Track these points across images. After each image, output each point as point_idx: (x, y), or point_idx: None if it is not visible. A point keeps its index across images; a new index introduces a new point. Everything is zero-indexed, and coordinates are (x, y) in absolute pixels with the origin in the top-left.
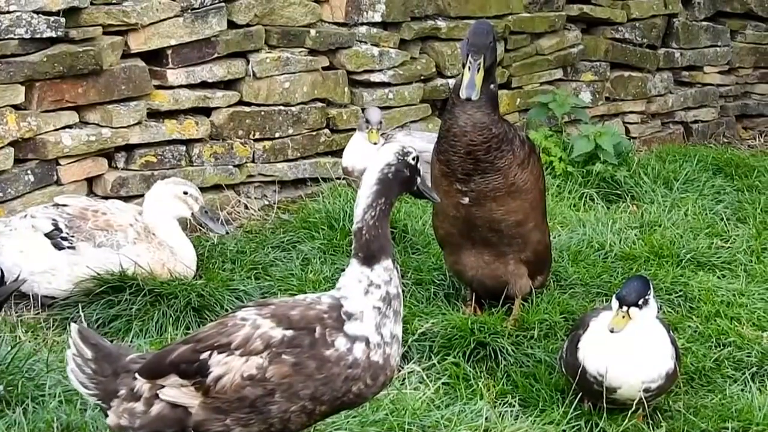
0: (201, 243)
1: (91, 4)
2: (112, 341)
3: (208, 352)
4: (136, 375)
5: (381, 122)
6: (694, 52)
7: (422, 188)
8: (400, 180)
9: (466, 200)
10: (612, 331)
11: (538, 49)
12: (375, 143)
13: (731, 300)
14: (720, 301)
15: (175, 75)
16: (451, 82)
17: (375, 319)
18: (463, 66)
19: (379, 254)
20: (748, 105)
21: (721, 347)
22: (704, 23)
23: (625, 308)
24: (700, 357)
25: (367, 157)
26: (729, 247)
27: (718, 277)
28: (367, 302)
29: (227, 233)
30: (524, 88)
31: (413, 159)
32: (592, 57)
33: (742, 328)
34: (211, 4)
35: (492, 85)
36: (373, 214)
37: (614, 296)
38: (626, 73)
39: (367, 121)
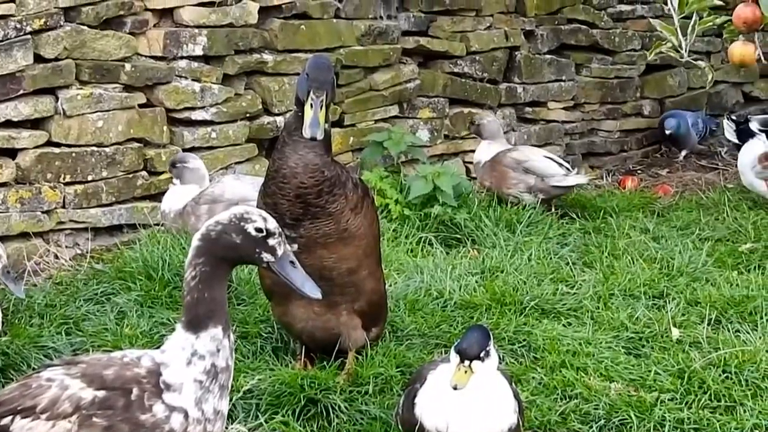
0: (6, 297)
1: None
2: None
3: (10, 417)
4: None
5: None
6: (538, 87)
7: (277, 269)
8: (225, 244)
9: (294, 247)
10: (455, 388)
11: (372, 84)
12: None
13: (577, 349)
14: (565, 350)
15: None
16: (279, 119)
17: (195, 393)
18: (302, 104)
19: (207, 321)
20: (595, 142)
21: (567, 399)
22: (548, 57)
23: (466, 362)
24: (545, 410)
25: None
26: (575, 293)
27: (564, 325)
28: (188, 374)
29: (24, 298)
30: (358, 125)
31: (256, 230)
32: (430, 92)
33: (589, 379)
34: (15, 37)
35: (326, 124)
36: (193, 273)
37: (453, 349)
38: (466, 110)
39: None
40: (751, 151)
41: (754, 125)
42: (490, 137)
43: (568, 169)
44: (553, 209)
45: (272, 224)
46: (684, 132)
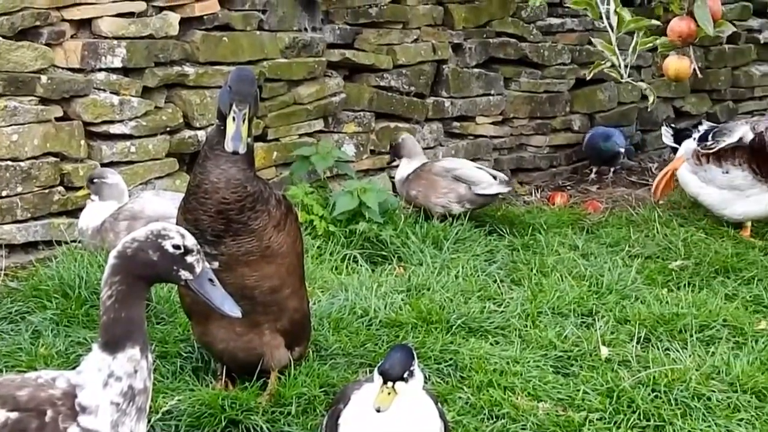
0: None
1: None
2: None
3: None
4: None
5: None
6: (466, 101)
7: (195, 287)
8: (141, 261)
9: (215, 265)
10: (379, 411)
11: (296, 98)
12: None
13: (505, 368)
14: (493, 369)
15: None
16: (201, 133)
17: (112, 416)
18: (224, 117)
19: (124, 341)
20: (524, 158)
21: (494, 419)
22: (476, 70)
23: (390, 383)
24: (472, 431)
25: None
26: (502, 311)
27: (491, 344)
28: (105, 396)
29: None
30: (281, 140)
31: (173, 246)
32: (356, 106)
33: (517, 399)
34: None
35: (249, 138)
36: (109, 292)
37: (376, 370)
38: (393, 124)
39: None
40: (686, 150)
41: (703, 126)
42: (409, 155)
43: (495, 178)
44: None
45: (190, 241)
46: (610, 149)
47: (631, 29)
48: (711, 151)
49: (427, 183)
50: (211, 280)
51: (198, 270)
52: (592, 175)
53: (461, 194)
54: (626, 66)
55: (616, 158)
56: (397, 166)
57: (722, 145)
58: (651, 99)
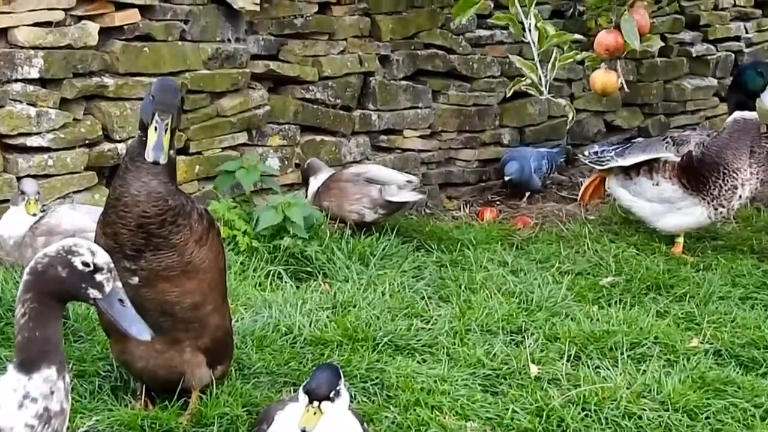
0: None
1: None
2: None
3: None
4: None
5: (39, 193)
6: (393, 114)
7: (103, 306)
8: (51, 278)
9: (135, 280)
10: (304, 431)
11: (219, 110)
12: (35, 214)
13: (432, 387)
14: (420, 388)
15: None
16: (121, 146)
17: None
18: (146, 127)
19: (39, 361)
20: (452, 172)
21: None
22: (403, 83)
23: (315, 403)
24: None
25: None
26: (430, 328)
27: (418, 362)
28: (19, 418)
29: None
30: (204, 153)
31: (82, 263)
32: (280, 119)
33: (444, 418)
34: None
35: (171, 151)
36: (22, 311)
37: (301, 389)
38: (318, 137)
39: (23, 193)
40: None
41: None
42: (316, 173)
43: (409, 182)
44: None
45: (101, 258)
46: (526, 177)
47: (554, 44)
48: (602, 167)
49: (338, 191)
50: (121, 300)
51: (107, 289)
52: (524, 200)
53: (374, 198)
54: (546, 82)
55: (524, 184)
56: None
57: (614, 164)
58: (570, 116)
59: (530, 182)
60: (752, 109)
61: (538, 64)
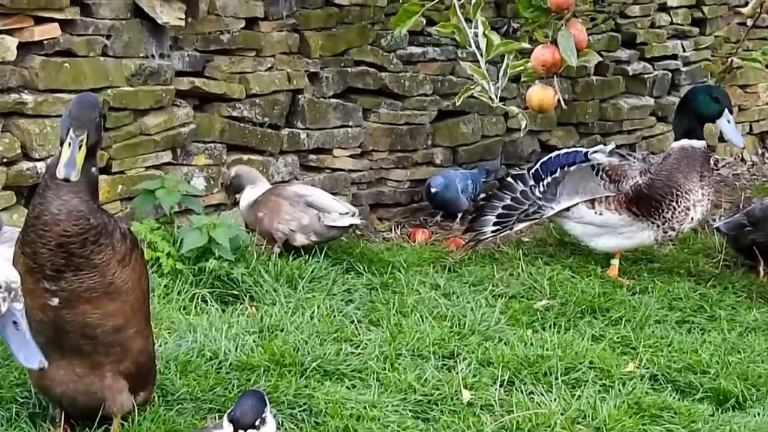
0: None
1: None
2: None
3: None
4: None
5: None
6: (323, 133)
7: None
8: None
9: (55, 301)
10: None
11: (142, 128)
12: None
13: (362, 413)
14: (349, 414)
15: None
16: (40, 165)
17: None
18: (62, 143)
19: None
20: (384, 192)
21: None
22: (333, 101)
23: (241, 431)
24: None
25: None
26: (360, 353)
27: (348, 388)
28: None
29: None
30: (127, 172)
31: None
32: (206, 138)
33: None
34: None
35: (93, 169)
36: None
37: (226, 417)
38: (245, 156)
39: None
40: None
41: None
42: (252, 182)
43: (349, 214)
44: None
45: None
46: (452, 195)
47: (500, 52)
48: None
49: (273, 205)
50: (15, 322)
51: (2, 309)
52: (457, 222)
53: (304, 225)
54: (498, 90)
55: (451, 204)
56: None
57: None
58: (523, 124)
59: (458, 202)
60: (701, 137)
61: (486, 73)
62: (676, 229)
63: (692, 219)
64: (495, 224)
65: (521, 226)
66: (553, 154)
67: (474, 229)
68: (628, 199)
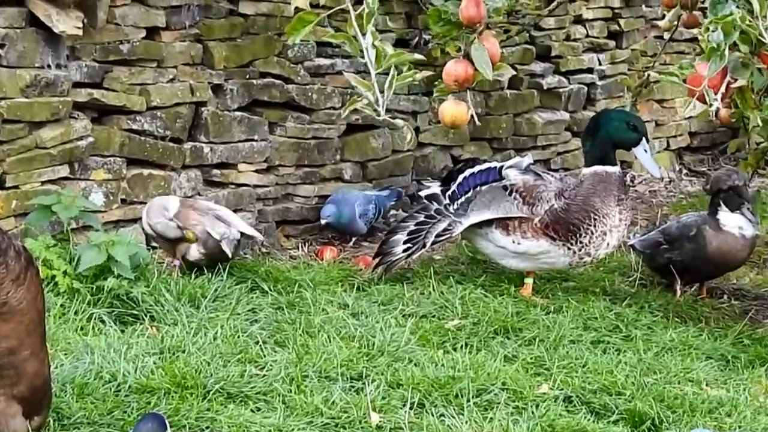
0: None
1: None
2: None
3: None
4: None
5: None
6: (227, 147)
7: None
8: None
9: None
10: None
11: (38, 142)
12: None
13: None
14: None
15: None
16: None
17: None
18: None
19: None
20: (290, 209)
21: None
22: (238, 114)
23: None
24: None
25: None
26: (265, 375)
27: (252, 411)
28: None
29: None
30: (22, 187)
31: None
32: (105, 151)
33: None
34: None
35: None
36: None
37: None
38: (146, 171)
39: None
40: None
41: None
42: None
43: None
44: None
45: None
46: (346, 220)
47: (392, 63)
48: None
49: (183, 213)
50: None
51: None
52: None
53: (204, 239)
54: (383, 102)
55: (345, 227)
56: None
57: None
58: (408, 137)
59: (353, 226)
60: (614, 162)
61: (375, 84)
62: (591, 255)
63: (608, 245)
64: (405, 242)
65: (432, 241)
66: (467, 173)
67: (383, 252)
68: (545, 225)
